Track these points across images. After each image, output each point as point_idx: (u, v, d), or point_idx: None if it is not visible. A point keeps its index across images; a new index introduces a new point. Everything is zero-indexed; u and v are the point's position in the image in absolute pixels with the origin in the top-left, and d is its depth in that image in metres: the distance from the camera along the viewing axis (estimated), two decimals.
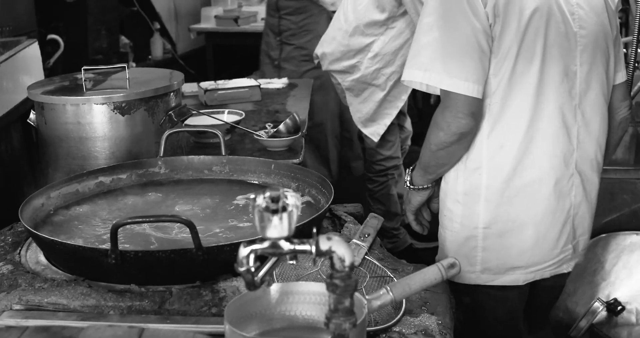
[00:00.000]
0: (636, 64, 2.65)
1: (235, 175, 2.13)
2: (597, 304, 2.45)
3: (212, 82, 3.37)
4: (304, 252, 1.16)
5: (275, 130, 2.57)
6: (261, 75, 4.32)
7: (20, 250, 1.80)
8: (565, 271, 1.95)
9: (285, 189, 1.16)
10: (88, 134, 2.10)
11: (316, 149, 4.27)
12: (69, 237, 1.76)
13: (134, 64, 4.98)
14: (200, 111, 2.72)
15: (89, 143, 2.11)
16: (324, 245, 1.15)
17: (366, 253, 1.76)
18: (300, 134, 2.59)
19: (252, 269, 1.17)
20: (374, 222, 1.90)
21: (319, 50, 3.67)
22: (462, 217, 1.88)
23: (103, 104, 2.09)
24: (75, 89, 2.21)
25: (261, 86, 3.36)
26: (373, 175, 3.82)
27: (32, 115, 2.22)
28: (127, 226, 1.66)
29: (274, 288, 1.35)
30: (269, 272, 1.21)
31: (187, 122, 2.51)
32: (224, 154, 2.13)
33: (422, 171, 1.91)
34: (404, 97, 3.58)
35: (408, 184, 1.96)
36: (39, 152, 2.26)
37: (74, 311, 1.54)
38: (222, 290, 1.58)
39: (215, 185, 2.08)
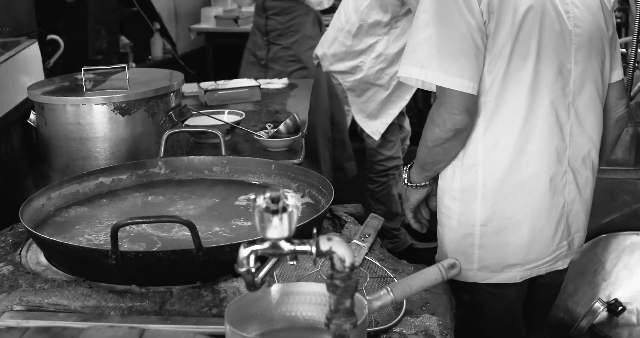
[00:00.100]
0: (636, 64, 2.65)
1: (236, 176, 2.13)
2: (597, 304, 2.45)
3: (212, 83, 3.36)
4: (304, 252, 1.16)
5: (275, 130, 2.57)
6: (242, 75, 4.31)
7: (20, 251, 1.80)
8: (561, 267, 1.97)
9: (286, 190, 1.16)
10: (88, 134, 2.10)
11: (307, 150, 4.26)
12: (70, 237, 1.76)
13: (133, 64, 4.97)
14: (201, 111, 2.72)
15: (89, 143, 2.11)
16: (325, 245, 1.15)
17: (366, 254, 1.76)
18: (300, 134, 2.59)
19: (253, 270, 1.17)
20: (374, 222, 1.90)
21: (319, 51, 3.67)
22: (460, 214, 1.89)
23: (103, 104, 2.09)
24: (75, 90, 2.21)
25: (261, 86, 3.36)
26: (374, 176, 3.82)
27: (32, 116, 2.22)
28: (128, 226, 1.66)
29: (275, 288, 1.35)
30: (270, 273, 1.21)
31: (187, 122, 2.51)
32: (224, 154, 2.13)
33: (419, 168, 1.92)
34: (408, 97, 3.58)
35: (406, 182, 1.97)
36: (39, 153, 2.26)
37: (74, 312, 1.54)
38: (222, 290, 1.58)
39: (215, 185, 2.08)
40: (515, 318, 2.03)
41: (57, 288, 1.58)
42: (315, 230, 1.17)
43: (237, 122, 2.68)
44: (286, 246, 1.16)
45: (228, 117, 2.78)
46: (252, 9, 5.93)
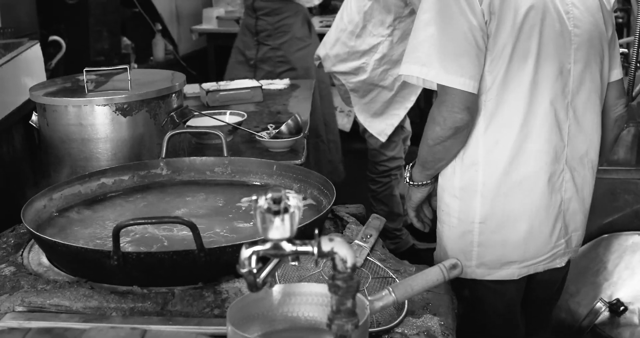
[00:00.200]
0: (638, 64, 2.65)
1: (237, 177, 2.13)
2: (599, 305, 2.45)
3: (213, 83, 3.37)
4: (306, 253, 1.16)
5: (277, 131, 2.57)
6: (229, 74, 4.30)
7: (22, 252, 1.80)
8: (559, 265, 1.98)
9: (287, 190, 1.16)
10: (90, 135, 2.10)
11: (308, 151, 4.26)
12: (71, 238, 1.76)
13: (135, 65, 4.97)
14: (202, 112, 2.72)
15: (91, 144, 2.11)
16: (326, 246, 1.15)
17: (368, 254, 1.76)
18: (302, 134, 2.59)
19: (254, 270, 1.17)
20: (376, 222, 1.90)
21: (321, 51, 3.66)
22: (460, 211, 1.91)
23: (105, 105, 2.09)
24: (77, 91, 2.21)
25: (263, 87, 3.36)
26: (376, 176, 3.81)
27: (34, 117, 2.22)
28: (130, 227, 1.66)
29: (276, 289, 1.35)
30: (271, 273, 1.21)
31: (189, 123, 2.51)
32: (225, 155, 2.13)
33: (421, 167, 1.94)
34: (413, 98, 3.58)
35: (408, 180, 1.98)
36: (40, 154, 2.26)
37: (76, 313, 1.54)
38: (224, 291, 1.58)
39: (217, 186, 2.09)
40: (514, 315, 2.05)
41: (59, 289, 1.58)
42: (317, 231, 1.17)
43: (239, 123, 2.68)
44: (288, 247, 1.16)
45: (230, 117, 2.79)
46: None
